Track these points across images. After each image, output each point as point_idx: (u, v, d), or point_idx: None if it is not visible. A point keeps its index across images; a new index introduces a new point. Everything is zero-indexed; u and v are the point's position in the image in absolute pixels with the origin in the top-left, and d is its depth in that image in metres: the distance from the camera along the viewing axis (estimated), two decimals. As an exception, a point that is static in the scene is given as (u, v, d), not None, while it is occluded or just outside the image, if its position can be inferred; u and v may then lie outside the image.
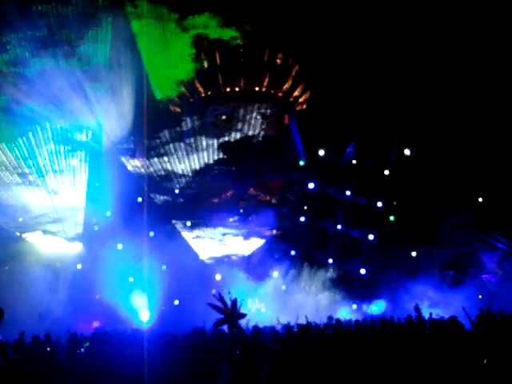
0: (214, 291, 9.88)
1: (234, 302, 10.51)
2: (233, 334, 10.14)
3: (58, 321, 16.51)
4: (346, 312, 19.94)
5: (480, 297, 20.26)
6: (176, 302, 20.15)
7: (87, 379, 7.07)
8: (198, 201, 23.41)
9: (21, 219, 20.00)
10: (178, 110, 25.16)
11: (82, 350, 10.53)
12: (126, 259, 19.90)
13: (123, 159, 22.75)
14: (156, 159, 23.34)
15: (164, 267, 20.48)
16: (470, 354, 8.10)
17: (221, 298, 10.35)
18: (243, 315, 10.62)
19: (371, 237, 23.57)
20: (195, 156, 23.91)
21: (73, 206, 19.46)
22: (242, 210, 23.87)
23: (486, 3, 20.12)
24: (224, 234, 23.70)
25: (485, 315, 14.09)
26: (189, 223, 23.46)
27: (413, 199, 22.81)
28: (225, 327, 10.52)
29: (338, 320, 14.20)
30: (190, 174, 24.11)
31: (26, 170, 19.37)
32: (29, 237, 20.47)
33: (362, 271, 23.18)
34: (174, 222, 23.02)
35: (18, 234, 20.40)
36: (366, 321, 14.26)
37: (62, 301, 18.64)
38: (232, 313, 10.24)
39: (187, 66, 22.88)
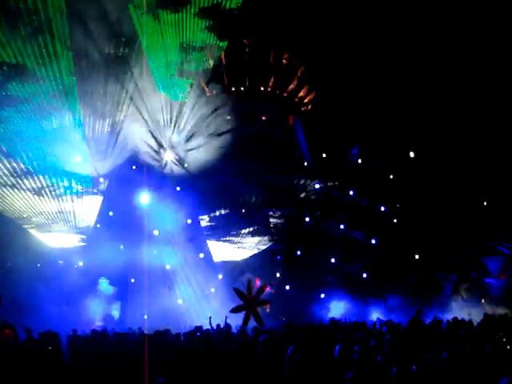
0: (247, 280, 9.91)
1: (261, 287, 10.33)
2: (241, 329, 9.94)
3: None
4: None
5: (483, 301, 20.34)
6: (180, 302, 20.13)
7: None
8: (200, 201, 23.19)
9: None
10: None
11: None
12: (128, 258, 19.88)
13: None
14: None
15: (168, 267, 20.41)
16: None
17: (248, 284, 10.22)
18: (265, 302, 10.50)
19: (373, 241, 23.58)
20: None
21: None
22: (244, 211, 23.75)
23: (486, 4, 20.05)
24: (226, 235, 23.60)
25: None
26: (189, 221, 23.26)
27: (416, 203, 22.79)
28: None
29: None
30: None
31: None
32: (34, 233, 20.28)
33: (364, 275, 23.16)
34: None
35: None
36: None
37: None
38: (254, 299, 10.13)
39: (192, 64, 22.71)
